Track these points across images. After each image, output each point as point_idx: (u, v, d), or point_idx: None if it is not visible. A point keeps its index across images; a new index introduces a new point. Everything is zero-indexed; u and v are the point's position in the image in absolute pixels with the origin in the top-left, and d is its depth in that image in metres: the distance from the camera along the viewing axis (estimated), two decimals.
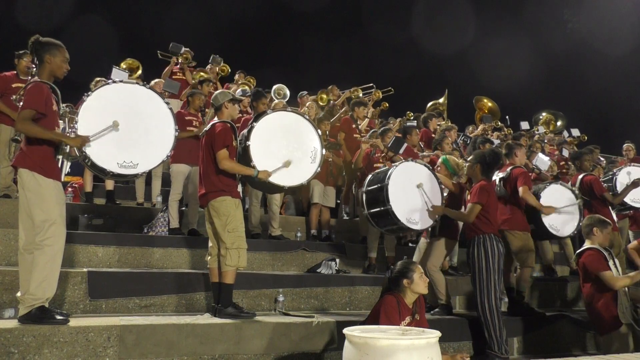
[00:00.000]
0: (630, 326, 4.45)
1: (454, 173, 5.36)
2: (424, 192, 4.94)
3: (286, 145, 4.41)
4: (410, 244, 6.93)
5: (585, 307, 4.81)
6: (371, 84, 9.95)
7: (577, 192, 5.83)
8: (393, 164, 5.13)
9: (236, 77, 9.73)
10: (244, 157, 4.33)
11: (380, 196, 4.85)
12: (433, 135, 7.87)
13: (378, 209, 4.92)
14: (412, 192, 4.91)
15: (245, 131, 4.46)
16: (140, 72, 8.76)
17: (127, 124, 3.84)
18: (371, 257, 6.11)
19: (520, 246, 5.27)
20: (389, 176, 4.83)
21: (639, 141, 9.21)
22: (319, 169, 4.58)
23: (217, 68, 9.41)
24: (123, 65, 8.59)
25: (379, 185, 4.90)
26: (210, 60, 9.42)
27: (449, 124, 8.42)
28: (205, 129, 4.47)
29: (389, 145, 6.19)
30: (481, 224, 4.67)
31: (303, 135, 4.51)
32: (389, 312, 3.38)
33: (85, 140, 3.64)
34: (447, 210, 4.94)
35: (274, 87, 9.09)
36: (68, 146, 3.66)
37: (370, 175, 5.23)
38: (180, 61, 8.73)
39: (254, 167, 4.30)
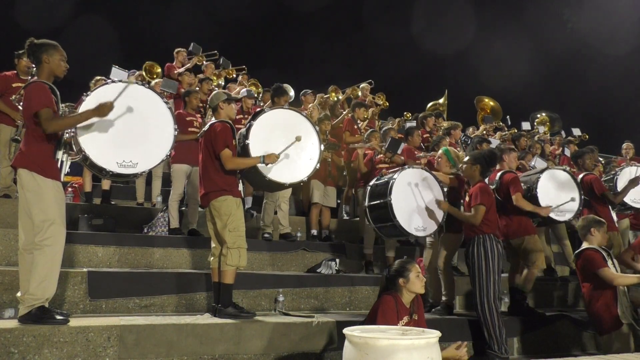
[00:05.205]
0: (631, 326, 4.44)
1: (454, 164, 5.36)
2: (428, 187, 4.96)
3: (285, 142, 4.40)
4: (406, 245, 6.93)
5: (585, 308, 4.80)
6: (370, 80, 9.82)
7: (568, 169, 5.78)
8: (389, 173, 5.13)
9: (240, 78, 9.67)
10: (243, 156, 4.33)
11: (384, 211, 4.86)
12: (426, 135, 7.85)
13: (384, 224, 4.95)
14: (414, 200, 4.93)
15: (243, 130, 4.46)
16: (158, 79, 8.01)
17: (126, 124, 3.84)
18: (367, 254, 6.11)
19: (530, 249, 5.27)
20: (390, 191, 4.82)
21: (639, 141, 9.18)
22: (318, 165, 4.57)
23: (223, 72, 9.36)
24: (145, 66, 8.43)
25: (382, 200, 4.89)
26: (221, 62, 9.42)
27: (451, 123, 8.36)
28: (203, 129, 4.47)
29: (386, 147, 6.18)
30: (481, 224, 4.68)
31: (301, 131, 4.50)
32: (387, 312, 3.39)
33: (110, 106, 3.63)
34: (453, 210, 4.94)
35: None
36: (67, 143, 3.66)
37: (369, 188, 5.20)
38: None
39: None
